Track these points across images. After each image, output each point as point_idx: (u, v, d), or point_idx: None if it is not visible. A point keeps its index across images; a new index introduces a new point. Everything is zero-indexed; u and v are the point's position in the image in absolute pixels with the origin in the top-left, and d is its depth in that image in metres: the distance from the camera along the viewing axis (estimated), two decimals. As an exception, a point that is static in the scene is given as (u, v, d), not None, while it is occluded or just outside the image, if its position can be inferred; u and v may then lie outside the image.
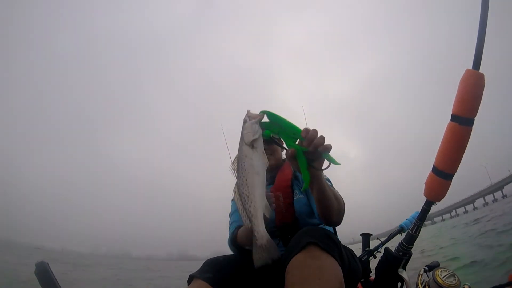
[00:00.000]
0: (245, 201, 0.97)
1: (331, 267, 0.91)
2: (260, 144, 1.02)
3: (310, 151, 0.98)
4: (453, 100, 1.19)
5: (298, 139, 1.04)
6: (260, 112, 1.05)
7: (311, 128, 1.03)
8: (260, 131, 1.03)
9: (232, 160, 1.05)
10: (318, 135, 0.99)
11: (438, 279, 1.21)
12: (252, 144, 1.01)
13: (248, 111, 1.06)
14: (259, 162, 1.00)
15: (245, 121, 1.05)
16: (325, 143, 0.97)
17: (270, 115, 1.06)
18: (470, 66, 1.15)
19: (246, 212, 0.96)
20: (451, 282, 1.19)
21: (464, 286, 1.19)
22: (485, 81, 1.13)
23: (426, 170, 1.29)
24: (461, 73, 1.17)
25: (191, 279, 1.11)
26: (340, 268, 0.94)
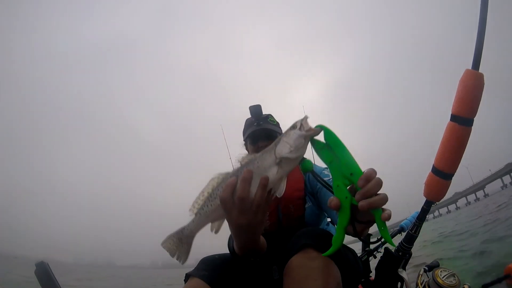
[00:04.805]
0: (210, 199, 0.85)
1: (328, 268, 0.90)
2: (289, 168, 0.81)
3: (361, 207, 0.72)
4: (453, 100, 1.20)
5: (349, 185, 0.77)
6: (317, 127, 0.80)
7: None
8: (302, 152, 0.80)
9: (239, 159, 0.86)
10: (378, 188, 0.73)
11: (438, 279, 1.21)
12: (280, 160, 0.79)
13: (305, 117, 0.81)
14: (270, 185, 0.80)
15: (293, 127, 0.81)
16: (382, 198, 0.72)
17: (329, 135, 0.80)
18: (469, 66, 1.16)
19: (203, 206, 0.86)
20: (451, 282, 1.19)
21: (464, 286, 1.20)
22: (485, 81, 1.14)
23: (425, 170, 1.29)
24: (461, 73, 1.18)
25: (187, 277, 1.11)
26: (337, 268, 0.93)
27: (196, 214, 0.87)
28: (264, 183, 0.78)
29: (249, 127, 1.69)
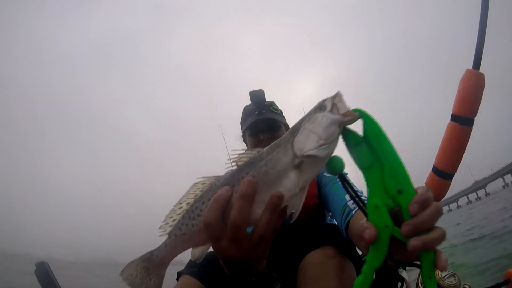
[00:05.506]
0: (191, 215, 0.56)
1: (347, 269, 0.89)
2: (314, 172, 0.53)
3: (412, 248, 0.47)
4: (453, 100, 1.19)
5: (390, 206, 0.52)
6: (354, 111, 0.53)
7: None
8: (334, 147, 0.52)
9: (234, 157, 0.57)
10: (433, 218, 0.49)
11: (438, 279, 1.21)
12: (301, 161, 0.51)
13: (338, 93, 0.53)
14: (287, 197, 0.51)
15: (320, 108, 0.53)
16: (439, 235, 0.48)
17: (370, 125, 0.53)
18: (470, 66, 1.16)
19: (180, 225, 0.57)
20: (451, 282, 1.19)
21: (464, 286, 1.20)
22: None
23: (426, 170, 1.29)
24: (461, 72, 1.18)
25: (179, 276, 1.11)
26: (353, 268, 0.93)
27: (169, 235, 0.58)
28: (276, 204, 0.49)
29: (249, 116, 1.44)
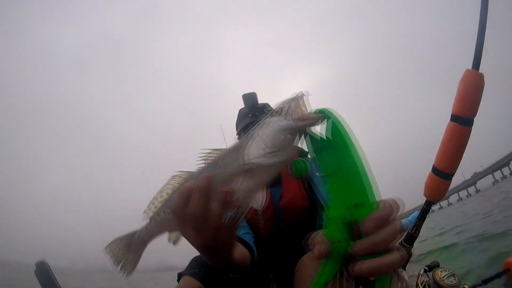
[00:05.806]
0: (169, 204, 0.64)
1: None
2: (264, 178, 0.54)
3: (359, 271, 0.42)
4: (453, 100, 1.19)
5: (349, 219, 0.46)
6: (317, 111, 0.49)
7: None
8: (285, 155, 0.52)
9: (205, 155, 0.61)
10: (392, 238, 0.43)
11: (438, 279, 1.21)
12: (250, 167, 0.53)
13: (300, 94, 0.51)
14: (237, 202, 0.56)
15: (278, 110, 0.52)
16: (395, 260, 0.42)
17: (335, 128, 0.47)
18: (470, 66, 1.15)
19: (159, 211, 0.66)
20: (451, 282, 1.19)
21: (464, 286, 1.20)
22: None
23: (426, 170, 1.29)
24: (461, 73, 1.18)
25: (179, 277, 1.14)
26: None
27: (150, 219, 0.67)
28: (222, 198, 0.55)
29: (243, 119, 1.50)
